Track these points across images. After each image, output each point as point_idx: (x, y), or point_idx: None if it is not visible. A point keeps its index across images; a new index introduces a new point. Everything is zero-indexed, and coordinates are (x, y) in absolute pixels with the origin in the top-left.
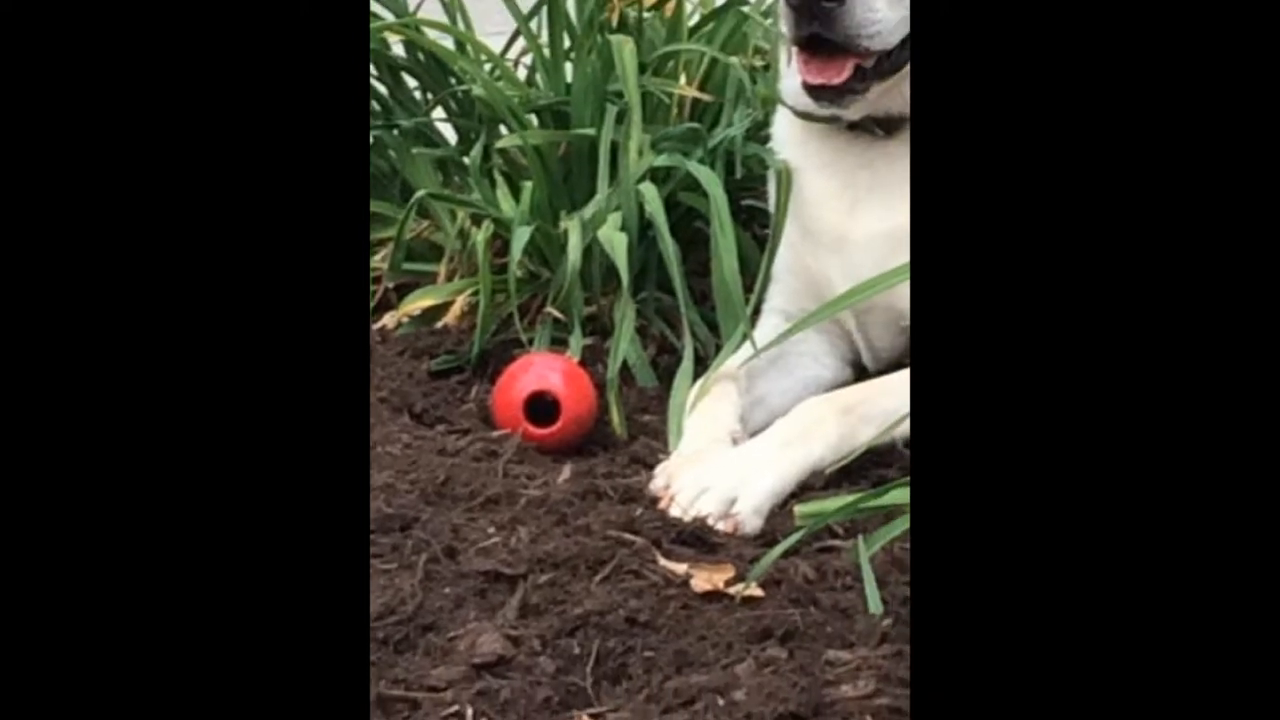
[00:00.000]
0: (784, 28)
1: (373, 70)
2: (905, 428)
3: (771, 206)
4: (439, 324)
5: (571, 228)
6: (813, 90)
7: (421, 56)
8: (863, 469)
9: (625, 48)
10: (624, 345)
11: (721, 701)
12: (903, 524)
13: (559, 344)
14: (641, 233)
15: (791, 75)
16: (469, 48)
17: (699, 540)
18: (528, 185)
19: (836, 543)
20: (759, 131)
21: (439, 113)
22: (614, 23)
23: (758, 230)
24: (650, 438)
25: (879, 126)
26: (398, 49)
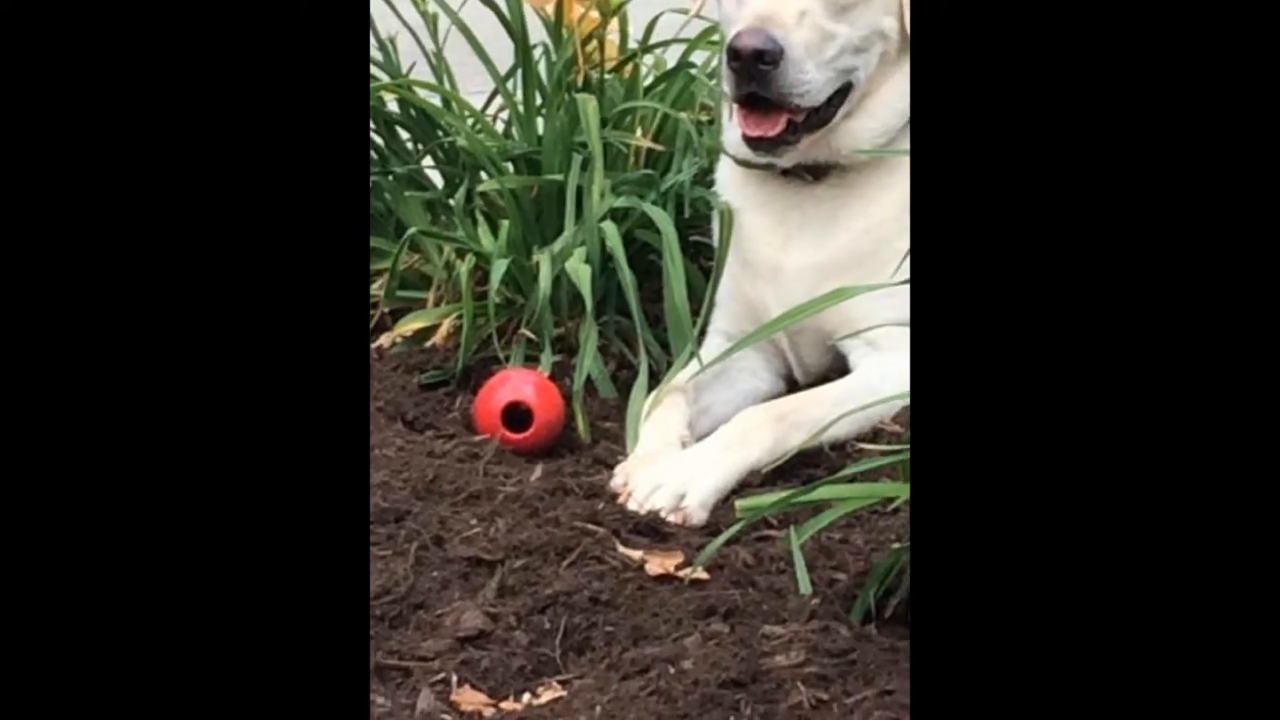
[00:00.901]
0: (726, 87)
1: (371, 124)
2: (832, 433)
3: (715, 242)
4: (428, 343)
5: (542, 260)
6: (751, 141)
7: (413, 112)
8: (794, 469)
9: (589, 105)
10: (588, 362)
11: (672, 670)
12: (829, 516)
13: (532, 361)
14: (603, 265)
15: (732, 128)
16: (454, 104)
17: (653, 530)
18: (505, 224)
19: (772, 532)
20: (705, 177)
21: (428, 161)
22: (579, 83)
23: (704, 262)
24: (610, 442)
25: (808, 173)
26: (392, 106)
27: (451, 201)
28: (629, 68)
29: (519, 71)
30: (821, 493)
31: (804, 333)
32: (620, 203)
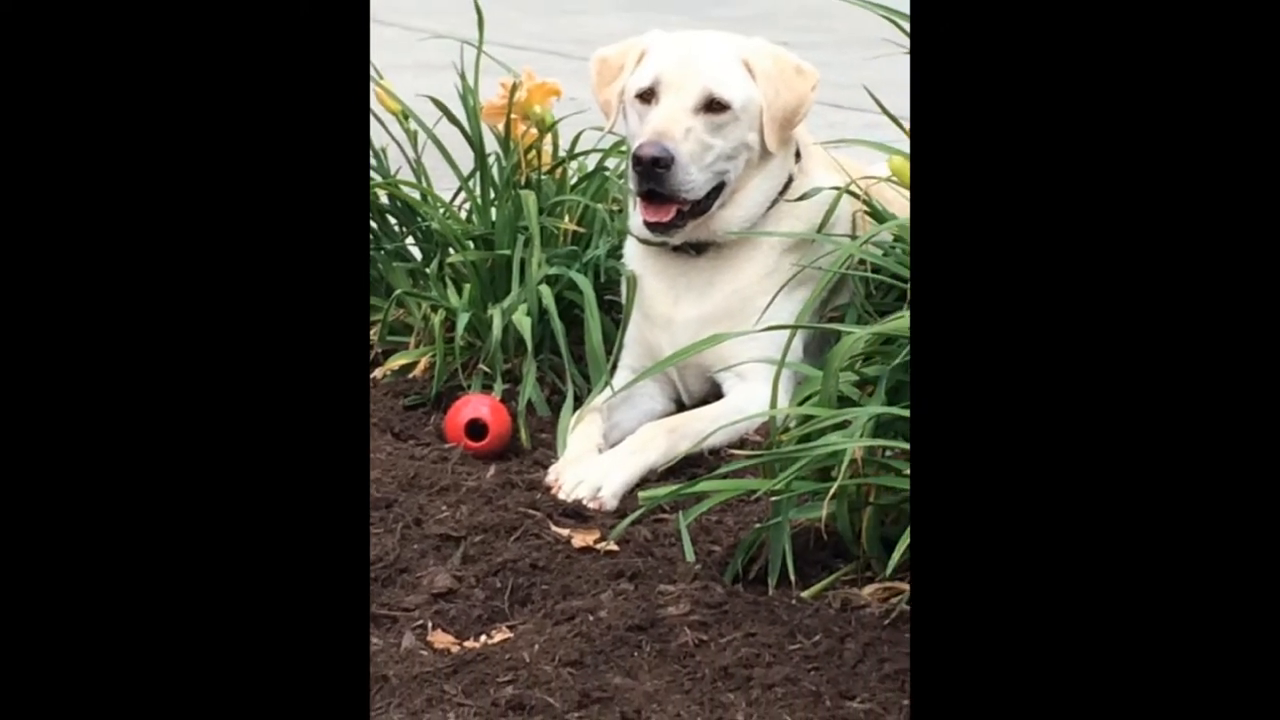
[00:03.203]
0: (631, 185)
1: (369, 213)
2: (710, 441)
3: (624, 300)
4: (410, 375)
5: (495, 314)
6: (649, 225)
7: (399, 204)
8: (682, 469)
9: (530, 198)
10: (529, 389)
11: (591, 618)
12: (708, 503)
13: (488, 388)
14: (540, 317)
15: (636, 215)
16: (429, 198)
17: (577, 514)
18: (467, 286)
19: (665, 516)
20: (616, 252)
21: (410, 240)
22: (522, 181)
23: (615, 315)
24: (546, 449)
25: (692, 248)
26: (384, 199)
27: (428, 270)
28: (559, 170)
29: (478, 173)
30: (702, 486)
31: (689, 368)
32: (553, 271)
